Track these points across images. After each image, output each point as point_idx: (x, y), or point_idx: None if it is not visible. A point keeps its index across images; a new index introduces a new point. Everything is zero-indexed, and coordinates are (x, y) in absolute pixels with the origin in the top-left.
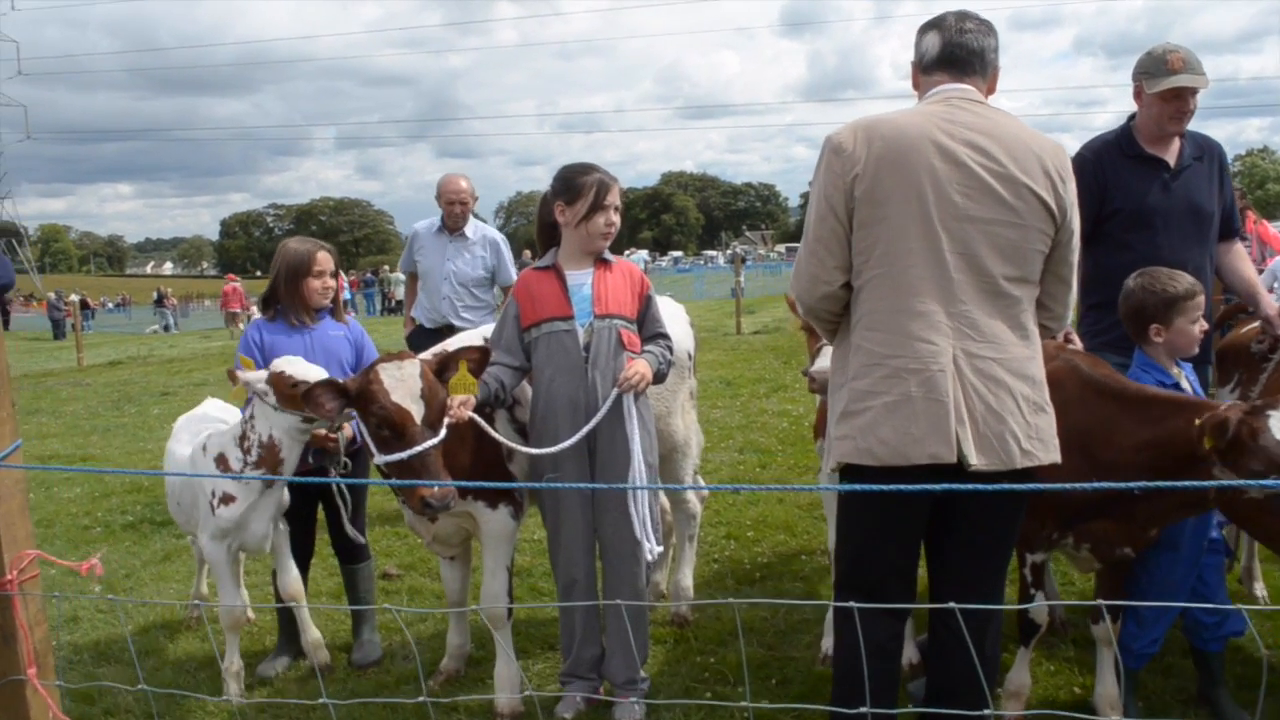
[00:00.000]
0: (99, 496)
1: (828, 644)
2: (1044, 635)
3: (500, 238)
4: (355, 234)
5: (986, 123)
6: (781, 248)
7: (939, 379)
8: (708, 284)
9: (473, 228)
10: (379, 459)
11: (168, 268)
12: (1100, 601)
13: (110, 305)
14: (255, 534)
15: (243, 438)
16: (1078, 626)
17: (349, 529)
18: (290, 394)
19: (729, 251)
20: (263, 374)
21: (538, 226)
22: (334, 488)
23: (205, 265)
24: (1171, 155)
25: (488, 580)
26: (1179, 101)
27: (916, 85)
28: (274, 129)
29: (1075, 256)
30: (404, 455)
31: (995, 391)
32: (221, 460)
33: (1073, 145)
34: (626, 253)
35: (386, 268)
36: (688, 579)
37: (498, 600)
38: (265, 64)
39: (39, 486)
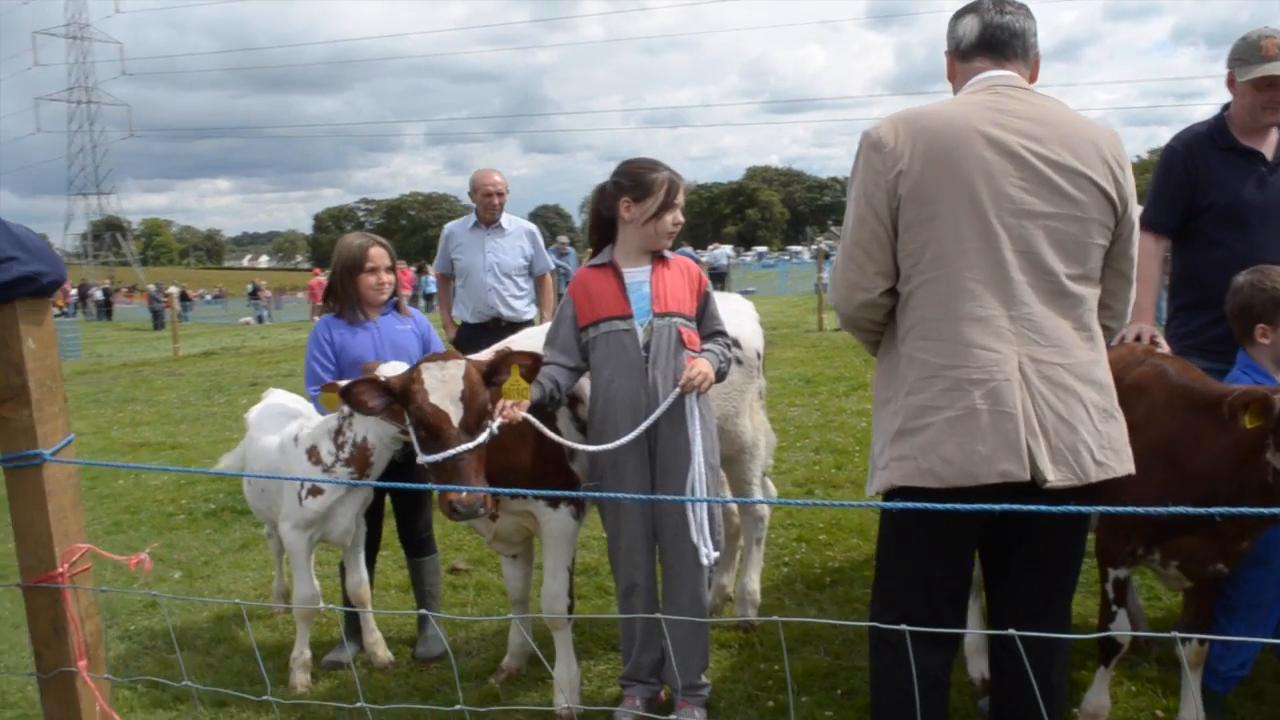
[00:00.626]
0: (184, 484)
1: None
2: (1126, 654)
3: (533, 227)
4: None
5: (1038, 110)
6: None
7: (1005, 389)
8: (791, 279)
9: (507, 219)
10: (420, 458)
11: (263, 261)
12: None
13: (208, 297)
14: (339, 527)
15: (338, 433)
16: (1162, 645)
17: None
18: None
19: (814, 247)
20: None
21: (592, 221)
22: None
23: (299, 259)
24: (1269, 148)
25: (548, 580)
26: (1273, 90)
27: (952, 75)
28: (365, 125)
29: (1136, 250)
30: (438, 458)
31: (1065, 400)
32: (313, 453)
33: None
34: (710, 247)
35: None
36: (755, 583)
37: (557, 601)
38: (357, 62)
39: (128, 474)
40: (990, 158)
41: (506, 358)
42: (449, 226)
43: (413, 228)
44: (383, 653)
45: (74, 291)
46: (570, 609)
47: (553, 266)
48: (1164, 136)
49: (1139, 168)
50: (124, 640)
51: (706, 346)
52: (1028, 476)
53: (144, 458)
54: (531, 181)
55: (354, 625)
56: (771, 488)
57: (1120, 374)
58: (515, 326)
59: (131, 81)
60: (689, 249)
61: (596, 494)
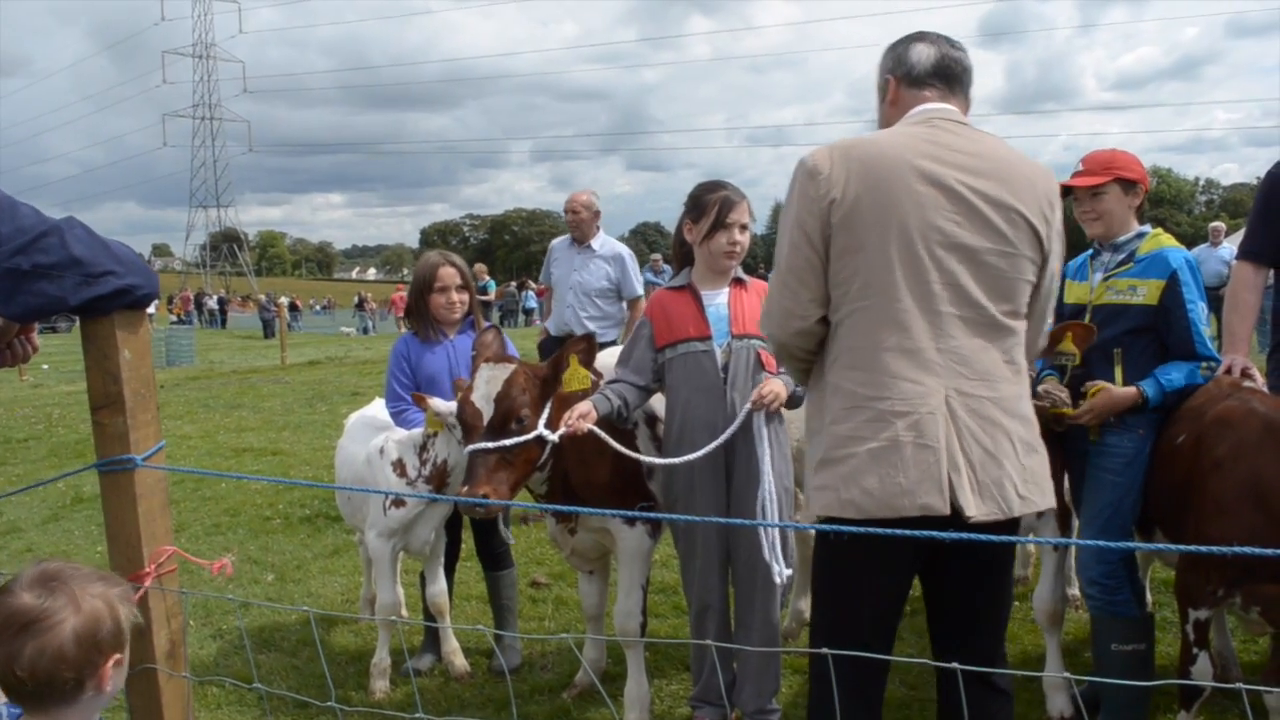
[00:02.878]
0: (282, 489)
1: None
2: (1211, 698)
3: (626, 252)
4: (545, 244)
5: (975, 145)
6: None
7: (928, 422)
8: None
9: (600, 241)
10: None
11: (371, 273)
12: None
13: (317, 308)
14: (419, 537)
15: (423, 449)
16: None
17: (501, 530)
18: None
19: None
20: (454, 406)
21: (674, 243)
22: None
23: (405, 271)
24: None
25: (622, 598)
26: None
27: (895, 101)
28: (474, 142)
29: (1053, 292)
30: (465, 450)
31: (991, 433)
32: (399, 465)
33: None
34: None
35: None
36: None
37: (630, 619)
38: (468, 80)
39: (231, 479)
40: (922, 190)
41: (563, 350)
42: (553, 242)
43: (515, 243)
44: (460, 663)
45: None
46: (643, 627)
47: (640, 291)
48: None
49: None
50: (216, 639)
51: (782, 369)
52: (948, 510)
53: (246, 462)
54: (633, 199)
55: (433, 635)
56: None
57: (1203, 406)
58: None
59: (252, 99)
60: None
61: (646, 514)
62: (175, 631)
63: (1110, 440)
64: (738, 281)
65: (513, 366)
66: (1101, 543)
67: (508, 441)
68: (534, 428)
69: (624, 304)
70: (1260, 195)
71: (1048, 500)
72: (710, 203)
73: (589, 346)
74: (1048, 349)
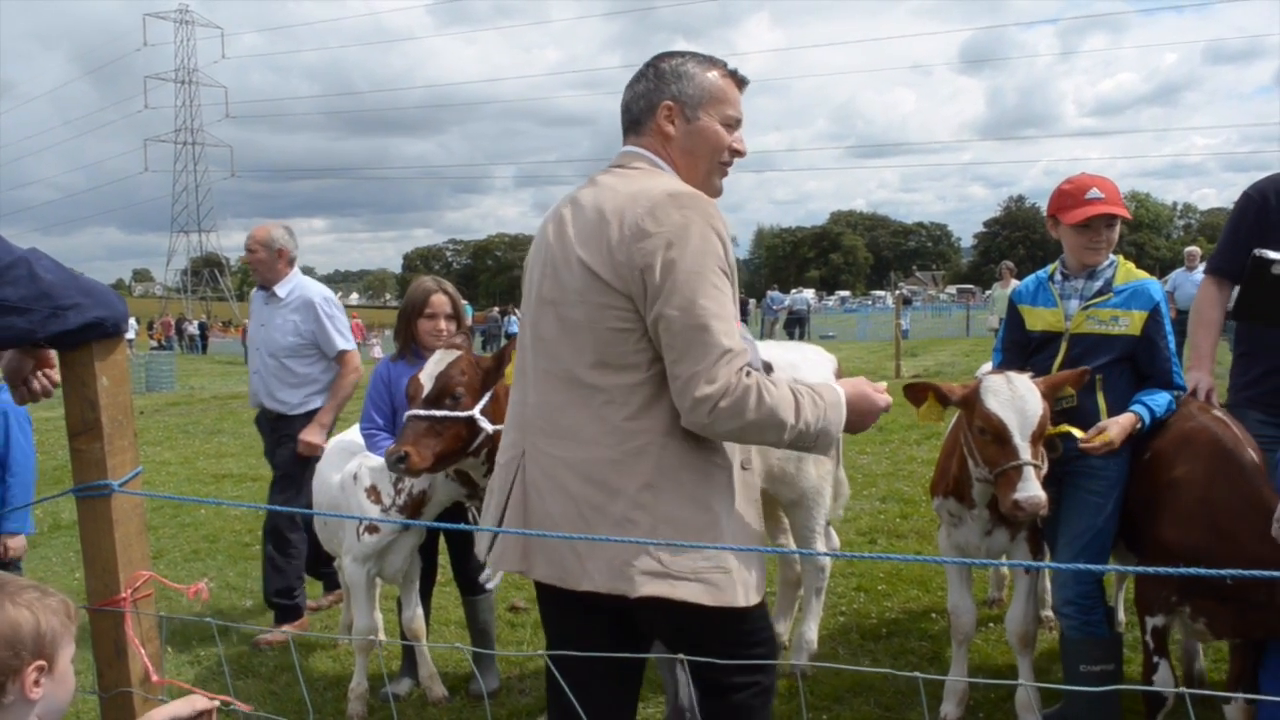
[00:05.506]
0: (262, 515)
1: (947, 709)
2: (1179, 708)
3: (321, 297)
4: None
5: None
6: (952, 289)
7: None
8: (874, 325)
9: (288, 286)
10: None
11: (354, 298)
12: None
13: None
14: (393, 564)
15: (398, 479)
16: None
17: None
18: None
19: (896, 292)
20: None
21: None
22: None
23: (388, 296)
24: None
25: None
26: None
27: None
28: (457, 168)
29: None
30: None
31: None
32: (373, 492)
33: None
34: (792, 291)
35: None
36: (812, 632)
37: None
38: (451, 106)
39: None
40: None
41: (508, 345)
42: (253, 291)
43: (498, 268)
44: (437, 688)
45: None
46: None
47: (343, 345)
48: None
49: None
50: (194, 665)
51: None
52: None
53: (226, 488)
54: None
55: (411, 659)
56: (835, 538)
57: (1168, 423)
58: (286, 420)
59: (235, 124)
60: (776, 292)
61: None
62: (152, 655)
63: (1095, 463)
64: None
65: (459, 353)
66: (1078, 565)
67: (438, 412)
68: (469, 408)
69: (331, 361)
70: (1234, 213)
71: (624, 587)
72: None
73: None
74: (1048, 396)
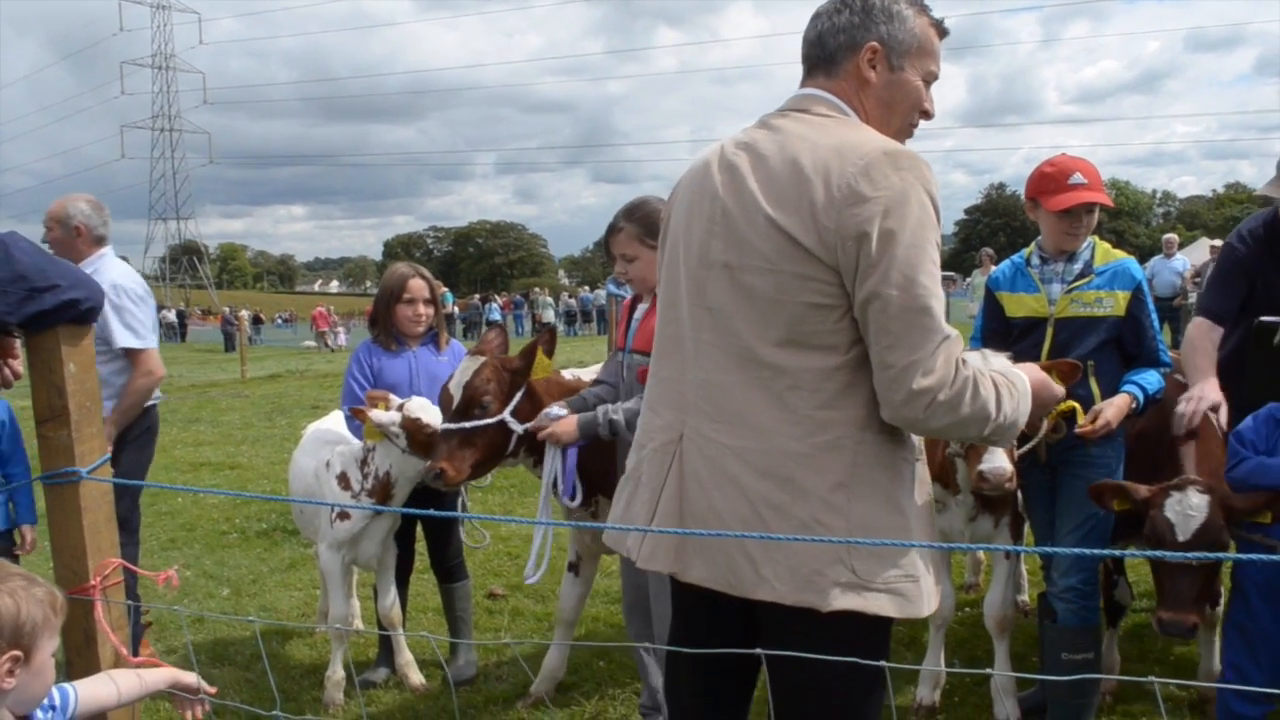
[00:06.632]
0: (240, 503)
1: (923, 693)
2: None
3: (110, 284)
4: (510, 256)
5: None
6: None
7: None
8: None
9: (90, 269)
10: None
11: (334, 286)
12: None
13: (280, 320)
14: (367, 551)
15: (364, 463)
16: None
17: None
18: (425, 442)
19: None
20: (396, 416)
21: None
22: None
23: (369, 284)
24: None
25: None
26: None
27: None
28: (438, 154)
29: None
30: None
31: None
32: (343, 479)
33: (1251, 174)
34: None
35: (537, 290)
36: None
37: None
38: (432, 92)
39: (186, 492)
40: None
41: (534, 341)
42: None
43: (479, 255)
44: (414, 675)
45: None
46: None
47: (130, 341)
48: (1244, 171)
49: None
50: (170, 654)
51: None
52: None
53: (204, 476)
54: (599, 211)
55: (388, 647)
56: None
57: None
58: None
59: (212, 110)
60: None
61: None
62: (122, 644)
63: (1093, 452)
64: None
65: (481, 359)
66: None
67: (468, 424)
68: (497, 414)
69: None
70: (1217, 261)
71: (802, 597)
72: (610, 232)
73: (551, 337)
74: None
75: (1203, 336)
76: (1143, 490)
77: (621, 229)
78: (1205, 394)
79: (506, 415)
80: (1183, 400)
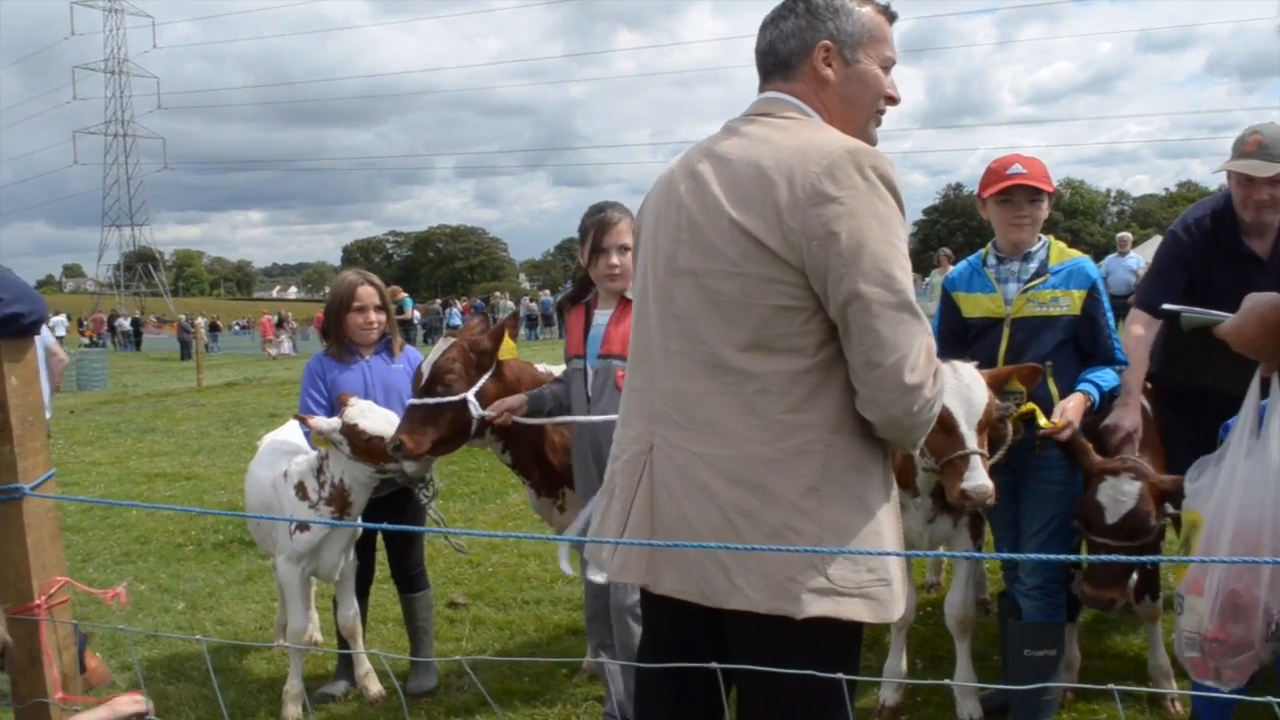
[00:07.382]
0: (195, 515)
1: (885, 695)
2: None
3: None
4: (470, 260)
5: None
6: None
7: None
8: None
9: None
10: None
11: (292, 292)
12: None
13: (237, 328)
14: (327, 562)
15: (319, 472)
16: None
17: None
18: (364, 448)
19: None
20: (336, 423)
21: (575, 267)
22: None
23: (327, 290)
24: (1265, 246)
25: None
26: (1251, 188)
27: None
28: (397, 159)
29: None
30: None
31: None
32: (301, 489)
33: (1203, 172)
34: None
35: (498, 294)
36: None
37: None
38: (391, 96)
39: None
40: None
41: (500, 323)
42: None
43: (439, 260)
44: (374, 686)
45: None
46: None
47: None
48: (1196, 169)
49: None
50: (124, 671)
51: None
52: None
53: (159, 487)
54: (560, 215)
55: (347, 659)
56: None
57: None
58: None
59: (167, 115)
60: None
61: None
62: (68, 664)
63: (1051, 453)
64: (625, 301)
65: (455, 340)
66: (1008, 554)
67: (430, 400)
68: (461, 392)
69: None
70: (1159, 251)
71: (777, 604)
72: (587, 228)
73: (515, 321)
74: (993, 389)
75: (1138, 342)
76: (1093, 460)
77: (620, 219)
78: (1121, 423)
79: (470, 395)
80: (1103, 429)
